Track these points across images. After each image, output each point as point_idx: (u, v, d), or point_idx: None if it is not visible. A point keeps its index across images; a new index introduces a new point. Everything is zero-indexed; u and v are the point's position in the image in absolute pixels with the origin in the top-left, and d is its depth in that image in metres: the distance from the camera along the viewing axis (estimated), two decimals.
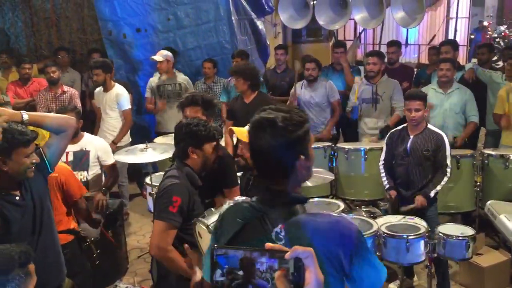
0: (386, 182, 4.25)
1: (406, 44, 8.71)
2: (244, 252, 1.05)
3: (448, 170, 4.02)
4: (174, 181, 2.69)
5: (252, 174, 2.98)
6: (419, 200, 3.97)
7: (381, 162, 4.34)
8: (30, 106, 6.29)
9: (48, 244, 2.75)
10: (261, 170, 1.62)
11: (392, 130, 4.34)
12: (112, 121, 5.67)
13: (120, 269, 4.61)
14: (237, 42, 6.85)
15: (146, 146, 4.33)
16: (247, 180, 3.06)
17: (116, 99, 5.64)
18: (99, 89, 5.77)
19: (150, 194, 4.47)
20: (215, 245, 1.01)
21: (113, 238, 4.41)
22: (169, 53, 6.16)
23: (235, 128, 2.96)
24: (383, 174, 4.29)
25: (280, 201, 1.57)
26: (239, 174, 3.37)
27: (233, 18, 6.83)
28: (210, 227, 2.42)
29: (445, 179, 4.01)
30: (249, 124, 1.64)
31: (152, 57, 6.15)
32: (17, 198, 2.65)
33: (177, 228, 2.63)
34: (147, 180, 4.60)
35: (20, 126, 2.56)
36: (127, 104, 5.69)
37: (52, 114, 3.06)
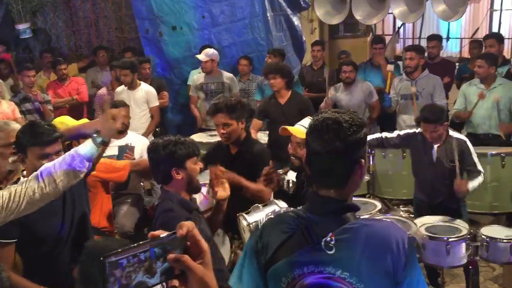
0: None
1: (448, 37, 8.41)
2: (132, 251, 0.98)
3: (482, 175, 3.79)
4: (168, 216, 2.51)
5: (306, 175, 2.94)
6: (463, 183, 3.69)
7: (385, 135, 4.13)
8: (70, 105, 6.45)
9: (77, 246, 2.69)
10: (317, 176, 1.57)
11: (417, 131, 4.06)
12: (141, 119, 5.70)
13: None
14: (272, 38, 6.80)
15: None
16: (302, 181, 3.02)
17: (146, 96, 5.69)
18: (121, 88, 5.79)
19: None
20: (103, 258, 0.94)
21: None
22: (215, 52, 6.14)
23: (290, 128, 2.93)
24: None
25: (332, 209, 1.53)
26: (293, 175, 3.33)
27: (268, 14, 6.78)
28: (250, 225, 2.42)
29: (480, 179, 3.79)
30: (308, 126, 1.60)
31: (197, 56, 6.17)
32: None
33: None
34: None
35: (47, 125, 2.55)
36: (155, 101, 5.75)
37: (88, 123, 3.07)
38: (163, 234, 1.02)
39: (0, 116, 5.36)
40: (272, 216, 1.70)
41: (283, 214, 1.69)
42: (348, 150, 1.50)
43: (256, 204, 2.63)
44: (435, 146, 3.90)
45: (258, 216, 2.49)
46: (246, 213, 2.56)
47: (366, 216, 3.44)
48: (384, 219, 3.54)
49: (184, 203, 2.61)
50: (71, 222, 2.69)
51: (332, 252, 1.48)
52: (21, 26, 7.40)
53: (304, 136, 2.79)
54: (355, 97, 5.73)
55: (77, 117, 6.17)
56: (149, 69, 6.44)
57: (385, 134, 4.16)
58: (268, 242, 1.59)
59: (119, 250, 0.95)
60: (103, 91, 6.14)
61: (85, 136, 2.80)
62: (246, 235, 2.56)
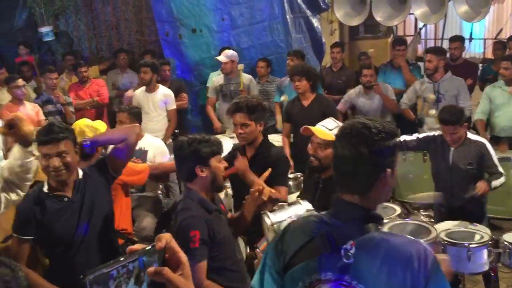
0: None
1: (471, 38, 8.27)
2: (112, 267, 0.98)
3: (503, 176, 3.73)
4: (186, 214, 2.55)
5: (320, 177, 2.93)
6: (480, 185, 3.66)
7: (404, 139, 4.05)
8: (91, 107, 6.52)
9: (93, 247, 2.75)
10: (341, 180, 1.56)
11: (437, 134, 4.02)
12: (160, 122, 5.74)
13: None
14: (291, 40, 6.78)
15: None
16: (315, 183, 3.00)
17: (164, 99, 5.72)
18: (140, 90, 5.83)
19: None
20: (83, 276, 0.95)
21: None
22: (234, 53, 6.15)
23: (312, 128, 2.92)
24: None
25: (355, 216, 1.52)
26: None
27: (287, 16, 6.77)
28: (274, 226, 2.41)
29: (502, 179, 3.73)
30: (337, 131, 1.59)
31: (217, 57, 6.18)
32: (65, 199, 2.68)
33: (206, 259, 2.52)
34: None
35: (60, 123, 2.68)
36: (173, 104, 5.79)
37: (114, 130, 3.14)
38: (141, 248, 1.03)
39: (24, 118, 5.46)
40: (295, 219, 1.68)
41: (305, 218, 1.67)
42: (372, 157, 1.48)
43: (281, 203, 2.62)
44: (452, 149, 3.84)
45: (282, 215, 2.48)
46: (270, 211, 2.55)
47: (386, 221, 3.40)
48: (408, 236, 3.54)
49: (204, 202, 2.64)
50: (88, 224, 2.71)
51: (350, 261, 1.46)
52: (43, 29, 7.53)
53: (325, 137, 2.80)
54: (376, 101, 5.66)
55: (98, 118, 6.26)
56: (168, 71, 6.48)
57: (404, 137, 4.11)
58: (288, 245, 1.59)
59: (99, 267, 0.96)
60: (130, 93, 6.15)
61: (112, 144, 2.87)
62: (270, 234, 2.55)
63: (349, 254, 1.46)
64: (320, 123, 2.96)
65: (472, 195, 3.72)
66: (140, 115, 4.49)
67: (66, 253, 2.68)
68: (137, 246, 1.04)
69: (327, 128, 2.87)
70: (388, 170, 1.52)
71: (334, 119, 2.99)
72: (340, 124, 2.87)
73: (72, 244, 2.67)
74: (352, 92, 5.83)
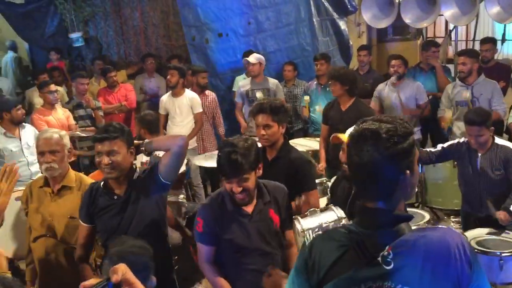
0: None
1: (504, 39, 8.05)
2: None
3: None
4: (204, 202, 2.81)
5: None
6: (502, 215, 3.52)
7: (429, 150, 3.99)
8: (119, 111, 6.61)
9: None
10: (361, 188, 1.53)
11: (461, 141, 3.91)
12: (185, 126, 5.76)
13: (199, 272, 4.66)
14: (318, 43, 6.74)
15: None
16: (348, 190, 2.95)
17: (190, 103, 5.76)
18: (166, 96, 5.90)
19: None
20: None
21: (193, 242, 4.48)
22: (262, 57, 6.16)
23: (342, 135, 2.88)
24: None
25: (383, 221, 1.47)
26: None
27: (314, 19, 6.73)
28: (305, 232, 2.39)
29: None
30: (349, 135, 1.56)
31: (246, 58, 6.18)
32: (115, 197, 2.80)
33: (208, 245, 2.67)
34: None
35: (118, 124, 2.81)
36: (199, 107, 5.82)
37: (162, 137, 3.20)
38: (95, 282, 1.02)
39: (56, 123, 5.58)
40: (320, 232, 1.64)
41: (333, 230, 1.63)
42: (388, 163, 1.44)
43: (313, 209, 2.59)
44: (480, 155, 3.72)
45: (313, 222, 2.45)
46: (302, 217, 2.53)
47: (414, 227, 3.32)
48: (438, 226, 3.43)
49: (224, 200, 2.66)
50: (130, 223, 2.78)
51: (390, 267, 1.43)
52: (74, 35, 7.68)
53: None
54: (404, 95, 5.53)
55: (126, 122, 6.35)
56: (206, 78, 6.43)
57: (429, 149, 4.02)
58: (319, 260, 1.54)
59: None
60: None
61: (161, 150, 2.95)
62: (299, 239, 2.54)
63: (388, 259, 1.44)
64: (350, 129, 2.89)
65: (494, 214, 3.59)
66: (152, 121, 4.70)
67: (104, 248, 2.80)
68: (92, 281, 1.04)
69: None
70: (407, 171, 1.47)
71: None
72: None
73: (109, 240, 2.71)
74: (379, 86, 5.75)
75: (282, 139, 3.34)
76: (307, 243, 1.64)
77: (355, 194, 1.56)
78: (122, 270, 1.03)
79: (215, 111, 6.18)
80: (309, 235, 1.63)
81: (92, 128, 5.87)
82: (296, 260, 1.67)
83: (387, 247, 1.44)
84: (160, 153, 3.35)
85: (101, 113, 6.17)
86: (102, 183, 2.84)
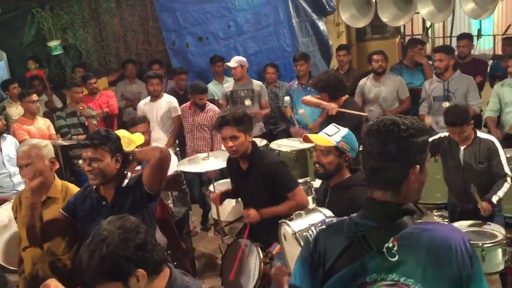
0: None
1: (479, 35, 8.19)
2: None
3: (509, 179, 3.67)
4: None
5: (329, 184, 2.91)
6: (484, 206, 3.59)
7: None
8: (101, 118, 6.58)
9: None
10: (372, 178, 1.57)
11: (442, 135, 4.00)
12: (163, 130, 5.78)
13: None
14: (298, 44, 6.77)
15: (208, 154, 4.35)
16: (325, 190, 2.99)
17: (168, 107, 5.79)
18: (144, 101, 5.91)
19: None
20: None
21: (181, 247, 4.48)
22: (243, 59, 6.17)
23: (311, 135, 2.91)
24: None
25: (388, 214, 1.52)
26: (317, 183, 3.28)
27: (293, 20, 6.76)
28: (297, 234, 2.40)
29: (507, 185, 3.66)
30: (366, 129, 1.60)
31: (226, 63, 6.20)
32: (103, 202, 2.82)
33: None
34: (211, 187, 4.63)
35: (105, 131, 2.83)
36: (178, 111, 5.84)
37: (145, 148, 3.17)
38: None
39: (37, 132, 5.53)
40: (323, 226, 1.67)
41: (338, 222, 1.64)
42: (400, 153, 1.49)
43: (298, 211, 2.59)
44: (462, 148, 3.80)
45: (302, 223, 2.45)
46: (289, 220, 2.53)
47: None
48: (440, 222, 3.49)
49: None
50: None
51: (395, 258, 1.47)
52: (52, 43, 7.62)
53: (324, 143, 2.79)
54: (387, 88, 5.63)
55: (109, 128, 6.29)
56: (186, 80, 6.48)
57: None
58: (325, 252, 1.57)
59: None
60: (183, 106, 5.82)
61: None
62: (289, 243, 2.54)
63: (393, 251, 1.47)
64: (323, 130, 2.93)
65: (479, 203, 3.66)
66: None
67: None
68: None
69: (327, 135, 2.83)
70: (417, 166, 1.52)
71: (336, 125, 2.94)
72: (342, 129, 2.86)
73: None
74: (361, 82, 5.83)
75: (251, 146, 3.32)
76: (311, 238, 1.66)
77: (367, 182, 1.60)
78: (53, 285, 1.05)
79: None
80: (312, 231, 1.66)
81: (85, 136, 5.83)
82: (300, 254, 1.69)
83: (391, 239, 1.47)
84: None
85: (94, 121, 6.12)
86: (94, 186, 2.87)
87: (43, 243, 3.01)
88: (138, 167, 4.20)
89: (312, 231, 1.68)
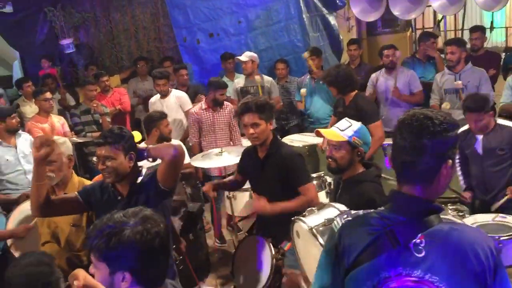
0: (462, 182, 3.98)
1: (492, 27, 8.11)
2: None
3: None
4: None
5: (342, 177, 2.92)
6: (510, 189, 3.62)
7: (457, 160, 4.06)
8: (113, 115, 6.62)
9: None
10: (403, 172, 1.56)
11: (465, 129, 3.96)
12: (176, 125, 5.77)
13: (202, 272, 4.69)
14: (309, 39, 6.76)
15: (221, 150, 4.37)
16: (337, 183, 2.99)
17: (179, 102, 5.82)
18: (154, 98, 5.93)
19: (227, 197, 4.51)
20: None
21: (194, 241, 4.51)
22: (254, 54, 6.18)
23: (322, 130, 2.91)
24: (459, 173, 4.00)
25: (417, 210, 1.51)
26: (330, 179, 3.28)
27: (304, 15, 6.75)
28: (313, 229, 2.38)
29: None
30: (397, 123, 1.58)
31: (237, 57, 6.21)
32: (119, 198, 2.82)
33: None
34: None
35: (119, 129, 2.80)
36: (189, 104, 5.86)
37: (159, 145, 3.16)
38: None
39: (50, 130, 5.59)
40: (349, 218, 1.67)
41: (364, 215, 1.64)
42: (434, 147, 1.48)
43: (310, 208, 2.59)
44: (479, 138, 3.79)
45: (317, 219, 2.43)
46: (302, 216, 2.52)
47: None
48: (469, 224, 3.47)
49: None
50: None
51: (421, 255, 1.46)
52: (64, 42, 7.68)
53: (335, 138, 2.79)
54: (399, 82, 5.61)
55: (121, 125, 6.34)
56: (186, 75, 6.51)
57: (457, 159, 4.08)
58: (350, 245, 1.57)
59: None
60: (196, 109, 5.42)
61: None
62: (302, 240, 2.52)
63: (420, 247, 1.47)
64: (335, 124, 2.93)
65: (504, 201, 3.66)
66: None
67: None
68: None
69: (339, 129, 2.83)
70: (450, 161, 1.51)
71: (348, 119, 2.95)
72: (354, 123, 2.86)
73: None
74: (373, 75, 5.81)
75: (271, 136, 3.34)
76: (335, 230, 1.66)
77: (398, 177, 1.59)
78: (82, 275, 1.06)
79: (231, 122, 5.38)
80: (337, 222, 1.66)
81: (99, 133, 5.88)
82: (324, 247, 1.70)
83: (419, 235, 1.47)
84: None
85: (108, 118, 6.17)
86: None
87: (47, 216, 2.99)
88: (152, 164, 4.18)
89: (338, 221, 1.67)
